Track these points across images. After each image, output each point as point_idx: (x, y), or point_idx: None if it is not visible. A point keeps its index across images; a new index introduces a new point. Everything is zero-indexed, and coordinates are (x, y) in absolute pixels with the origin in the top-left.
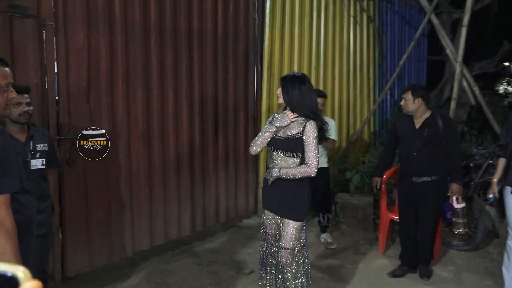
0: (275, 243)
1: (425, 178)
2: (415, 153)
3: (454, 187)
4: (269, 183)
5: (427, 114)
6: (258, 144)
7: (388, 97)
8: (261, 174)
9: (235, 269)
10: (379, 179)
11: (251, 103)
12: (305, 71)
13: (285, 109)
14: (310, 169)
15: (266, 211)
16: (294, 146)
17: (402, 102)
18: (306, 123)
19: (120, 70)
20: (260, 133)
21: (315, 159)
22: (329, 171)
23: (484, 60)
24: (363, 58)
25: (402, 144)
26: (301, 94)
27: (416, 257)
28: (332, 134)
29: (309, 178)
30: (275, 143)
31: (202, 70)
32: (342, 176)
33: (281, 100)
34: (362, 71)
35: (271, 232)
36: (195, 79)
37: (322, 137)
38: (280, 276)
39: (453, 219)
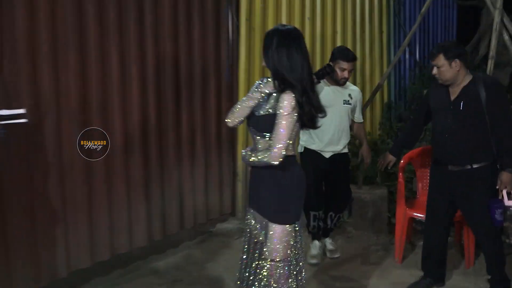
0: (260, 252)
1: (465, 167)
2: (447, 135)
3: (504, 176)
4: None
5: (467, 80)
6: (236, 114)
7: (407, 56)
8: (239, 163)
9: None
10: (393, 158)
11: (225, 69)
12: (297, 24)
13: None
14: (271, 155)
15: (251, 210)
16: (266, 123)
17: (435, 71)
18: (281, 94)
19: (43, 27)
20: (241, 100)
21: (280, 142)
22: (349, 157)
23: None
24: (373, 5)
25: (434, 122)
26: (278, 54)
27: (444, 266)
28: (358, 112)
29: (317, 164)
30: (253, 121)
31: (157, 25)
32: None
33: (264, 63)
34: (372, 23)
35: (257, 237)
36: (147, 38)
37: (310, 121)
38: None
39: (505, 223)
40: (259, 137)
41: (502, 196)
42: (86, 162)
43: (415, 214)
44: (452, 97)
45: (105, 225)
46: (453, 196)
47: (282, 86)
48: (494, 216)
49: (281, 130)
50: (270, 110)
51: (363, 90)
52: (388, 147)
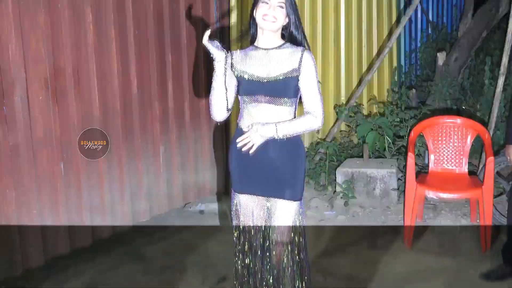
0: (262, 238)
1: None
2: None
3: None
4: (250, 151)
5: None
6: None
7: (419, 14)
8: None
9: (198, 276)
10: None
11: None
12: None
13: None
14: (316, 120)
15: (243, 196)
16: (288, 88)
17: None
18: (303, 54)
19: None
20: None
21: (321, 106)
22: None
23: None
24: None
25: None
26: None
27: None
28: None
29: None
30: (257, 88)
31: None
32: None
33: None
34: None
35: (255, 222)
36: None
37: None
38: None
39: None
40: (264, 104)
41: None
42: (62, 134)
43: (427, 191)
44: None
45: (80, 205)
46: None
47: (297, 42)
48: None
49: (318, 92)
50: (289, 72)
51: (369, 52)
52: (395, 120)
